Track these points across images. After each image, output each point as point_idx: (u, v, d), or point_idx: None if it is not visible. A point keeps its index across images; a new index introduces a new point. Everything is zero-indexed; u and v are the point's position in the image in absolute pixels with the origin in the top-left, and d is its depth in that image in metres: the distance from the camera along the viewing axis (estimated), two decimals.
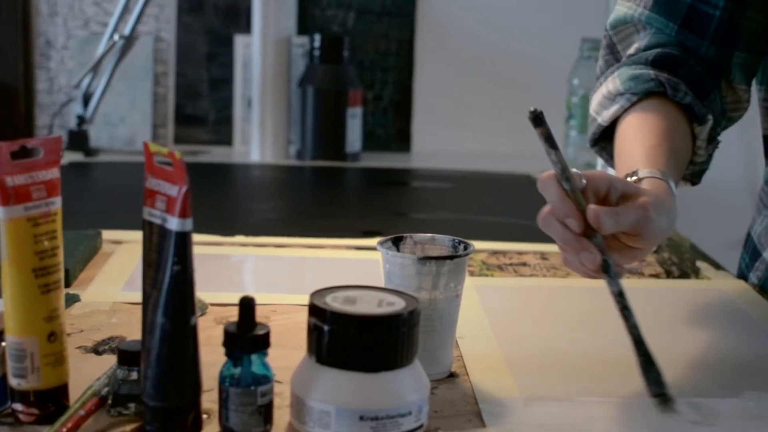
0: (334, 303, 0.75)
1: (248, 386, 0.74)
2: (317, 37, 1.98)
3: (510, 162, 2.01)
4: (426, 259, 0.84)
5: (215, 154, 2.08)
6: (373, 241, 1.18)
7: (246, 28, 2.06)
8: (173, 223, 0.72)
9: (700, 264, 1.30)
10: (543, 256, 1.31)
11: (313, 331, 0.75)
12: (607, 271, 0.83)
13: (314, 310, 0.75)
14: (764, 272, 1.20)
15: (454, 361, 0.91)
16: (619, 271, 0.85)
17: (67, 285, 1.12)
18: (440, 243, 0.90)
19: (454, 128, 2.16)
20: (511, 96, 2.15)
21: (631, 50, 1.13)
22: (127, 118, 2.10)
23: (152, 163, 0.75)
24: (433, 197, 1.77)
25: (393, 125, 2.15)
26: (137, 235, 1.31)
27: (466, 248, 0.88)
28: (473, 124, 2.17)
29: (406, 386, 0.74)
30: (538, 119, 0.82)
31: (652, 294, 1.17)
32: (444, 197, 1.76)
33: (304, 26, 2.11)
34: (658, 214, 0.84)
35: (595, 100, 1.11)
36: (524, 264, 1.27)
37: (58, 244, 0.78)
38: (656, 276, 1.25)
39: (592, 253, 0.82)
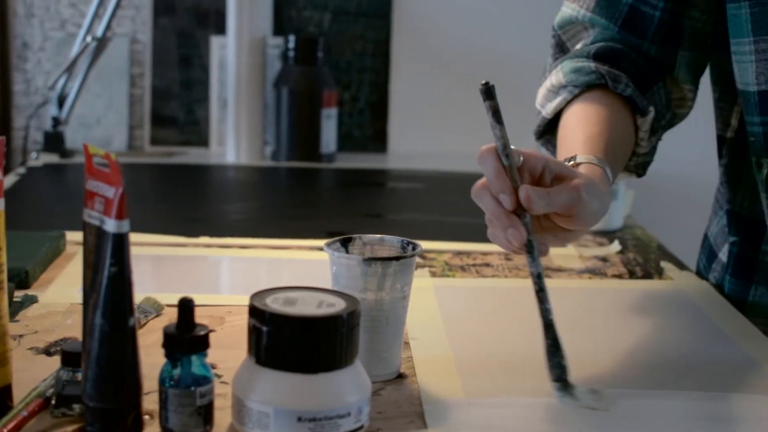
0: (274, 304, 0.75)
1: (187, 387, 0.74)
2: (292, 38, 1.98)
3: None
4: (371, 260, 0.84)
5: (191, 155, 2.08)
6: None
7: (222, 29, 2.06)
8: (110, 225, 0.72)
9: (664, 264, 1.30)
10: (507, 257, 1.31)
11: (253, 333, 0.75)
12: (530, 251, 0.84)
13: (253, 311, 0.75)
14: (721, 273, 1.21)
15: (403, 362, 0.91)
16: (543, 251, 0.86)
17: (27, 286, 1.12)
18: (389, 244, 0.90)
19: (430, 129, 2.16)
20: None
21: (579, 46, 1.13)
22: (103, 119, 2.10)
23: (92, 164, 0.74)
24: (408, 198, 1.77)
25: (369, 126, 2.15)
26: None
27: (414, 249, 0.88)
28: (450, 125, 2.17)
29: (346, 387, 0.74)
30: (489, 92, 0.84)
31: (612, 294, 1.17)
32: (419, 198, 1.76)
33: (280, 27, 2.11)
34: (590, 197, 0.85)
35: (540, 93, 1.12)
36: (487, 265, 1.27)
37: (2, 245, 0.78)
38: (619, 276, 1.25)
39: (519, 231, 0.83)
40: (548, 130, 1.12)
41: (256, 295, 0.76)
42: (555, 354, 0.84)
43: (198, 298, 1.07)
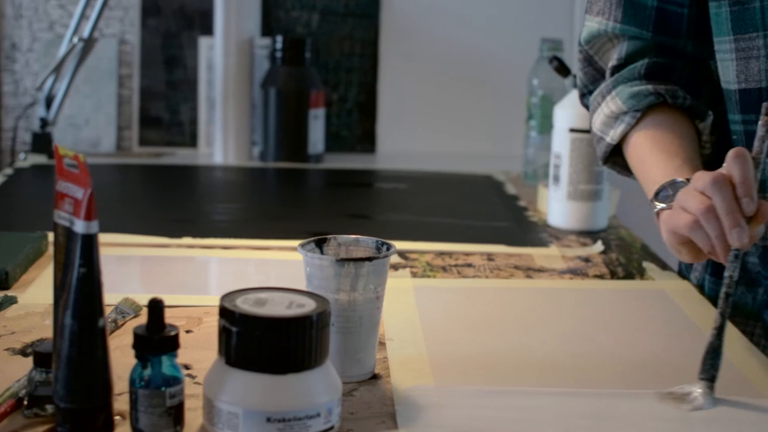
0: (244, 305, 0.75)
1: (158, 388, 0.74)
2: (279, 39, 1.98)
3: (474, 162, 2.01)
4: (344, 260, 0.84)
5: (180, 156, 2.08)
6: None
7: (210, 30, 2.06)
8: (79, 226, 0.72)
9: (646, 264, 1.30)
10: (489, 257, 1.31)
11: (222, 333, 0.75)
12: (737, 255, 0.87)
13: (223, 312, 0.75)
14: (702, 273, 1.21)
15: (378, 363, 0.91)
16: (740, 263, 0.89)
17: (7, 287, 1.12)
18: (364, 244, 0.90)
19: (419, 129, 2.16)
20: (475, 96, 2.15)
21: (613, 61, 1.15)
22: (91, 120, 2.10)
23: (62, 166, 0.75)
24: (395, 198, 1.77)
25: (358, 126, 2.15)
26: None
27: (388, 250, 0.88)
28: (438, 125, 2.17)
29: (316, 388, 0.74)
30: None
31: (592, 294, 1.17)
32: (406, 198, 1.76)
33: (268, 28, 2.11)
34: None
35: (598, 119, 1.15)
36: (469, 265, 1.27)
37: None
38: (600, 276, 1.25)
39: (745, 233, 0.86)
40: (614, 153, 1.15)
41: (226, 296, 0.76)
42: (714, 356, 0.86)
43: (177, 299, 1.09)
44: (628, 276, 1.26)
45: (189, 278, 1.23)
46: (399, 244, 1.33)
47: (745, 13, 1.02)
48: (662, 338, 1.02)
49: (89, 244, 0.72)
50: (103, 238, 1.32)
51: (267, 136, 1.99)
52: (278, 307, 0.75)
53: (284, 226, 1.50)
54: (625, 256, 1.35)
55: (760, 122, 0.91)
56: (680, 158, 1.03)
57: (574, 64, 1.31)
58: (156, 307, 0.75)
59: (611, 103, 1.12)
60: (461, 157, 2.10)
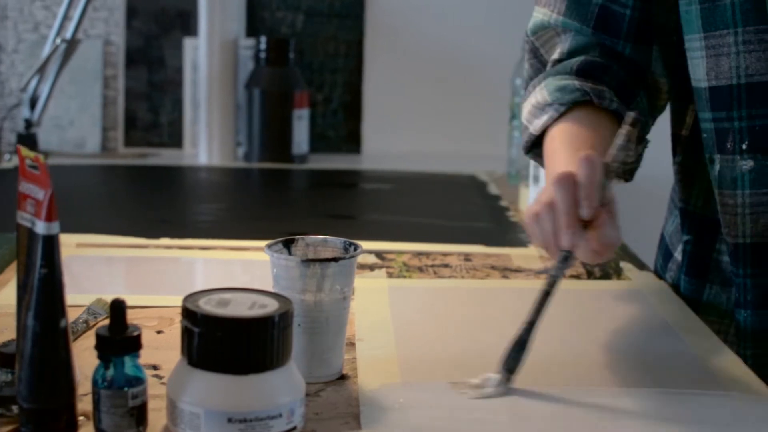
0: (207, 305, 0.75)
1: (120, 388, 0.74)
2: (263, 40, 1.98)
3: (460, 163, 2.02)
4: (309, 261, 0.84)
5: (165, 157, 2.08)
6: None
7: (195, 31, 2.06)
8: (40, 227, 0.72)
9: (623, 264, 1.30)
10: (467, 257, 1.31)
11: (185, 334, 0.75)
12: (566, 258, 0.87)
13: (185, 312, 0.75)
14: (676, 272, 1.21)
15: (347, 363, 0.91)
16: (571, 264, 0.89)
17: None
18: (332, 245, 0.90)
19: (404, 129, 2.16)
20: (461, 97, 2.15)
21: (555, 55, 1.14)
22: (77, 120, 2.10)
23: (24, 167, 0.75)
24: (379, 199, 1.78)
25: (343, 127, 2.16)
26: (65, 238, 1.32)
27: (355, 250, 0.88)
28: (424, 125, 2.17)
29: (277, 388, 0.74)
30: (636, 122, 0.90)
31: (567, 294, 1.16)
32: (390, 199, 1.76)
33: (253, 29, 2.11)
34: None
35: (526, 109, 1.13)
36: (446, 265, 1.27)
37: None
38: (577, 276, 1.25)
39: (575, 237, 0.85)
40: (536, 145, 1.13)
41: (189, 297, 0.77)
42: (519, 350, 0.87)
43: (150, 300, 1.09)
44: (605, 276, 1.26)
45: (165, 279, 1.23)
46: (378, 245, 1.35)
47: (716, 10, 1.02)
48: (634, 337, 1.02)
49: (50, 245, 0.72)
50: (81, 238, 1.33)
51: (251, 137, 1.99)
52: (241, 307, 0.75)
53: (266, 226, 1.50)
54: None
55: (621, 130, 0.90)
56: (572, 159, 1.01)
57: None
58: (118, 307, 0.75)
59: (538, 93, 1.10)
60: (447, 157, 2.10)
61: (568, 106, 1.06)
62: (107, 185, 1.89)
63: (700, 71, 1.05)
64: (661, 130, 1.23)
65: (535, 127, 1.10)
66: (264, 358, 0.74)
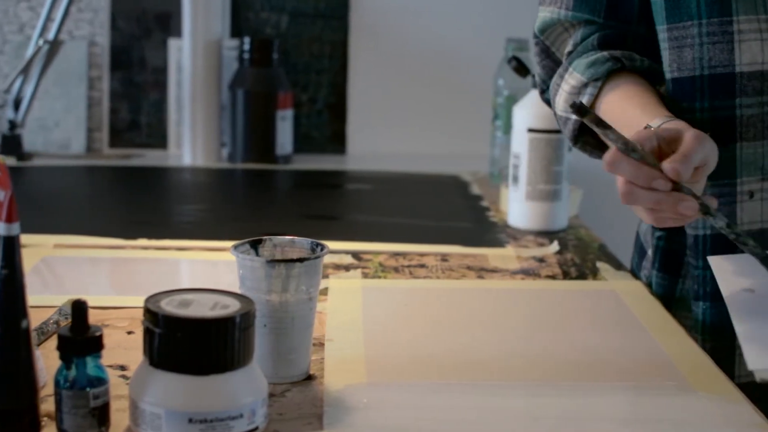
0: (169, 306, 0.75)
1: (82, 389, 0.74)
2: (247, 40, 1.98)
3: (444, 163, 2.01)
4: (274, 262, 0.85)
5: (150, 158, 2.08)
6: None
7: (179, 32, 2.06)
8: (1, 228, 0.72)
9: (600, 264, 1.30)
10: (444, 257, 1.31)
11: (146, 334, 0.75)
12: (707, 211, 0.89)
13: (146, 313, 0.75)
14: (650, 270, 1.21)
15: (315, 364, 0.91)
16: (713, 203, 0.91)
17: None
18: (299, 245, 0.91)
19: (389, 129, 2.16)
20: (446, 97, 2.15)
21: (569, 47, 1.15)
22: (62, 122, 2.10)
23: None
24: (361, 199, 1.78)
25: (328, 127, 2.16)
26: (43, 239, 1.33)
27: (322, 250, 0.89)
28: (409, 126, 2.17)
29: (239, 389, 0.75)
30: (581, 110, 0.88)
31: (541, 294, 1.17)
32: (372, 199, 1.76)
33: (237, 29, 2.11)
34: (706, 139, 0.91)
35: (560, 99, 1.13)
36: (422, 266, 1.27)
37: None
38: (552, 277, 1.25)
39: (690, 200, 0.88)
40: (583, 132, 1.12)
41: (151, 297, 0.77)
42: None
43: (122, 300, 1.09)
44: (581, 276, 1.26)
45: (141, 279, 1.23)
46: (357, 245, 1.35)
47: (680, 1, 1.03)
48: (605, 337, 1.02)
49: (11, 245, 0.72)
50: (58, 239, 1.33)
51: (235, 138, 1.99)
52: (202, 308, 0.75)
53: (247, 227, 1.50)
54: (580, 256, 1.35)
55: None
56: (643, 103, 1.03)
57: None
58: (80, 308, 0.75)
59: (570, 78, 1.10)
60: (431, 157, 2.10)
61: (604, 80, 1.07)
62: (91, 186, 1.89)
63: (665, 63, 1.06)
64: None
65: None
66: (225, 358, 0.74)
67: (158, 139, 2.13)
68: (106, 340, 0.96)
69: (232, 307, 0.76)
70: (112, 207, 1.69)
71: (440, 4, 2.14)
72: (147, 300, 0.76)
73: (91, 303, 1.05)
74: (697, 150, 0.89)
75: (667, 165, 0.87)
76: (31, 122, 2.05)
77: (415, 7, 2.13)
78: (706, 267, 1.06)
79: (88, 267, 1.26)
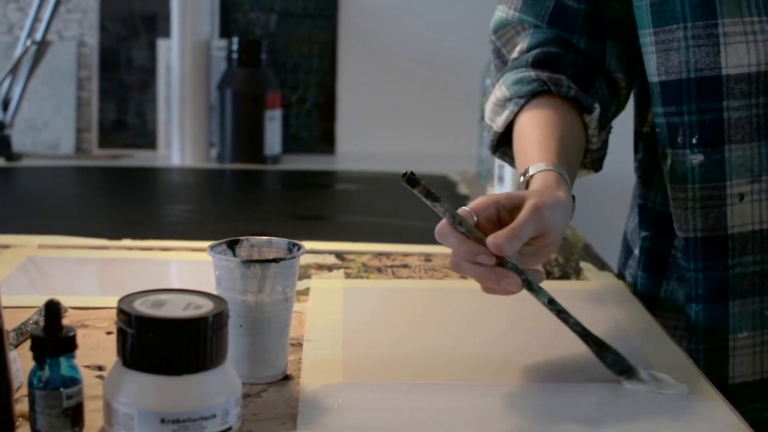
0: (142, 306, 0.75)
1: (55, 389, 0.75)
2: (235, 41, 1.99)
3: (433, 162, 2.01)
4: (250, 262, 0.85)
5: (138, 158, 2.08)
6: None
7: (168, 32, 2.06)
8: None
9: (584, 264, 1.31)
10: (427, 257, 1.31)
11: (119, 335, 0.75)
12: (530, 287, 0.88)
13: (120, 313, 0.75)
14: (636, 269, 1.22)
15: (293, 364, 0.91)
16: (539, 278, 0.89)
17: None
18: (276, 246, 0.91)
19: (378, 129, 2.17)
20: (435, 97, 2.16)
21: (515, 53, 1.15)
22: (51, 122, 2.10)
23: None
24: (349, 200, 1.78)
25: (317, 127, 2.16)
26: (27, 239, 1.33)
27: (298, 251, 0.89)
28: (398, 126, 2.17)
29: (211, 389, 0.75)
30: (411, 180, 0.85)
31: (523, 295, 1.17)
32: (359, 199, 1.77)
33: (226, 30, 2.11)
34: (551, 210, 0.88)
35: (488, 108, 1.14)
36: (406, 266, 1.28)
37: None
38: None
39: (512, 278, 0.86)
40: (502, 143, 1.13)
41: (125, 298, 0.77)
42: (604, 355, 0.89)
43: (102, 301, 1.09)
44: (564, 276, 1.26)
45: (124, 280, 1.23)
46: (341, 245, 1.35)
47: (665, 5, 1.03)
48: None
49: None
50: (43, 240, 1.33)
51: (223, 138, 1.99)
52: (175, 308, 0.76)
53: (234, 227, 1.50)
54: (564, 256, 1.35)
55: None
56: (540, 137, 1.02)
57: None
58: (53, 308, 0.75)
59: (497, 90, 1.11)
60: (420, 157, 2.10)
61: (528, 98, 1.07)
62: (80, 187, 1.89)
63: (651, 66, 1.07)
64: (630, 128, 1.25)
65: (498, 124, 1.10)
66: (197, 358, 0.74)
67: (147, 139, 2.13)
68: (85, 341, 0.97)
69: (206, 307, 0.76)
70: (101, 207, 1.69)
71: (429, 5, 2.14)
72: (120, 300, 0.76)
73: (71, 303, 1.07)
74: (528, 224, 0.86)
75: (491, 240, 0.85)
76: (21, 123, 2.05)
77: (404, 7, 2.14)
78: (699, 269, 1.06)
79: (72, 267, 1.27)
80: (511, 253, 0.86)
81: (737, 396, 1.06)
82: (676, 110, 1.05)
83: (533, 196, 0.89)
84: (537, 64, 1.09)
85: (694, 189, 1.05)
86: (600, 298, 1.16)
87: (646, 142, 1.20)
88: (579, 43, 1.12)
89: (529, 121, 1.06)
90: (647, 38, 1.06)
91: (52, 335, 0.75)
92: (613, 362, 0.89)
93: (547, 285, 1.20)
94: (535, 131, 1.03)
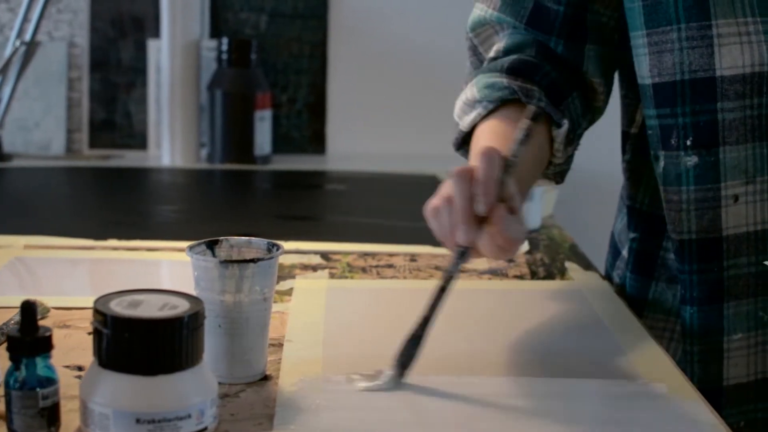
0: (118, 307, 0.75)
1: (31, 389, 0.75)
2: (225, 41, 1.99)
3: (424, 163, 2.02)
4: (228, 262, 0.85)
5: (129, 158, 2.08)
6: None
7: (159, 33, 2.06)
8: None
9: (569, 264, 1.31)
10: (412, 258, 1.31)
11: (95, 335, 0.75)
12: (462, 255, 0.87)
13: (95, 313, 0.75)
14: (624, 271, 1.22)
15: (272, 364, 0.91)
16: (469, 259, 0.88)
17: None
18: (256, 246, 0.91)
19: (369, 130, 2.17)
20: (425, 97, 2.16)
21: (492, 53, 1.14)
22: (41, 123, 2.10)
23: None
24: (338, 200, 1.78)
25: (307, 127, 2.16)
26: (13, 240, 1.33)
27: (277, 251, 0.89)
28: (389, 126, 2.18)
29: (187, 389, 0.75)
30: (537, 117, 0.93)
31: (505, 295, 1.17)
32: (349, 200, 1.77)
33: (216, 30, 2.11)
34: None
35: (457, 105, 1.14)
36: (391, 266, 1.28)
37: None
38: (520, 277, 1.25)
39: (470, 234, 0.85)
40: (466, 142, 1.13)
41: (102, 298, 0.77)
42: (413, 345, 0.87)
43: (86, 301, 1.09)
44: (549, 276, 1.26)
45: (110, 280, 1.23)
46: (327, 245, 1.35)
47: (658, 6, 1.03)
48: (566, 337, 1.03)
49: None
50: (29, 240, 1.33)
51: (213, 138, 2.00)
52: (151, 308, 0.76)
53: (222, 228, 1.50)
54: (550, 256, 1.35)
55: (520, 124, 0.90)
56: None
57: None
58: (28, 309, 0.75)
59: (468, 90, 1.10)
60: (411, 157, 2.10)
61: (496, 104, 1.07)
62: (70, 187, 1.90)
63: (644, 68, 1.06)
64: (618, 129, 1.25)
65: (464, 123, 1.10)
66: (172, 358, 0.74)
67: (138, 139, 2.13)
68: (66, 341, 0.97)
69: (181, 307, 0.76)
70: (91, 208, 1.69)
71: (419, 5, 2.14)
72: (97, 301, 0.76)
73: (54, 304, 1.07)
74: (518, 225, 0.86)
75: (502, 207, 0.85)
76: (11, 123, 2.06)
77: (394, 7, 2.14)
78: (693, 271, 1.06)
79: (60, 267, 1.27)
80: (498, 231, 0.84)
81: (732, 397, 1.06)
82: (670, 112, 1.04)
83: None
84: (511, 71, 1.08)
85: (688, 191, 1.04)
86: (583, 298, 1.16)
87: (633, 143, 1.20)
88: (557, 46, 1.11)
89: (490, 128, 1.05)
90: (640, 40, 1.06)
91: (28, 335, 0.75)
92: (408, 356, 0.87)
93: (531, 285, 1.21)
94: (493, 140, 1.03)
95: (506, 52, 1.12)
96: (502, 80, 1.07)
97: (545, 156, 1.08)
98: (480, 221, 0.85)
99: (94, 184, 1.91)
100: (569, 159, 1.14)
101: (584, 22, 1.11)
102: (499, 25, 1.14)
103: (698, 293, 1.06)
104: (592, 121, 1.17)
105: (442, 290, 0.88)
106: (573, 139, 1.11)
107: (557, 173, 1.14)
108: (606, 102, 1.17)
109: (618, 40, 1.14)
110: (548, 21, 1.11)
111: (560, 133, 1.07)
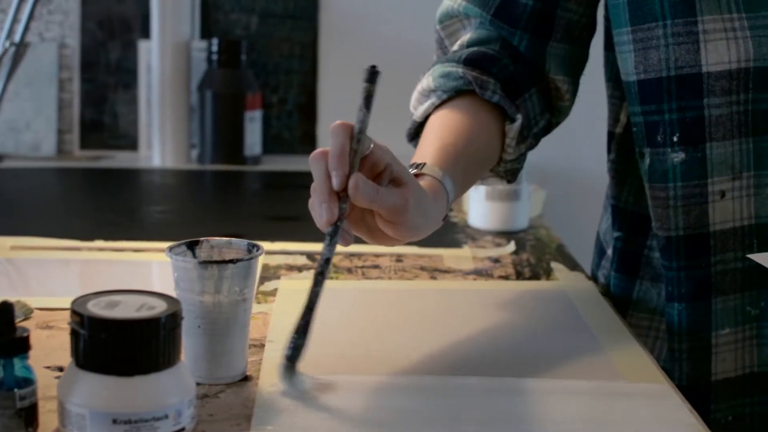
0: (95, 308, 0.75)
1: (9, 389, 0.75)
2: (215, 41, 1.99)
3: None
4: (207, 263, 0.85)
5: (119, 159, 2.08)
6: None
7: (149, 33, 2.06)
8: None
9: (554, 265, 1.31)
10: (398, 258, 1.32)
11: (72, 336, 0.76)
12: (332, 235, 0.85)
13: (73, 314, 0.75)
14: (609, 270, 1.22)
15: (253, 365, 0.91)
16: (346, 241, 0.87)
17: None
18: (236, 247, 0.91)
19: None
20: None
21: (455, 46, 1.14)
22: (32, 123, 2.10)
23: None
24: None
25: (298, 128, 2.16)
26: (1, 241, 1.33)
27: (257, 251, 0.89)
28: (378, 126, 2.17)
29: (164, 389, 0.75)
30: (372, 77, 0.87)
31: (489, 295, 1.17)
32: None
33: (207, 31, 2.11)
34: (414, 211, 0.87)
35: (414, 96, 1.14)
36: (376, 266, 1.28)
37: None
38: (505, 277, 1.25)
39: (332, 211, 0.84)
40: (419, 133, 1.13)
41: (79, 299, 0.77)
42: (300, 336, 0.84)
43: (69, 302, 1.09)
44: (534, 277, 1.26)
45: (97, 280, 1.23)
46: (313, 246, 1.35)
47: (643, 3, 1.03)
48: (548, 337, 1.03)
49: None
50: (15, 241, 1.33)
51: (204, 139, 2.00)
52: (129, 309, 0.76)
53: (210, 228, 1.50)
54: (536, 257, 1.35)
55: (360, 89, 0.88)
56: (443, 142, 1.01)
57: None
58: (5, 309, 0.75)
59: (425, 80, 1.10)
60: (400, 158, 2.09)
61: (450, 94, 1.07)
62: (61, 188, 1.90)
63: (629, 65, 1.06)
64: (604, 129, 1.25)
65: (418, 113, 1.11)
66: (149, 359, 0.74)
67: (129, 140, 2.14)
68: (48, 342, 0.97)
69: (159, 308, 0.76)
70: (81, 209, 1.69)
71: (409, 5, 2.14)
72: (74, 301, 0.76)
73: (38, 304, 1.07)
74: (392, 201, 0.86)
75: (356, 175, 0.84)
76: (2, 124, 2.06)
77: (385, 7, 2.14)
78: (681, 268, 1.06)
79: (48, 268, 1.27)
80: (357, 199, 0.84)
81: (720, 392, 1.07)
82: (656, 108, 1.04)
83: (415, 188, 0.89)
84: (469, 62, 1.08)
85: (675, 187, 1.05)
86: (567, 298, 1.16)
87: (618, 142, 1.20)
88: (521, 42, 1.11)
89: (440, 120, 1.05)
90: (624, 37, 1.06)
91: (5, 336, 0.75)
92: (296, 347, 0.84)
93: (516, 285, 1.21)
94: (442, 133, 1.03)
95: (470, 45, 1.13)
96: (458, 70, 1.07)
97: (495, 151, 1.08)
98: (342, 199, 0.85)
99: (84, 185, 1.91)
100: (521, 157, 1.13)
101: (552, 19, 1.11)
102: (467, 18, 1.14)
103: (686, 290, 1.07)
104: (553, 122, 1.17)
105: (319, 275, 0.86)
106: (527, 136, 1.10)
107: (508, 171, 1.13)
108: (572, 102, 1.16)
109: (586, 39, 1.14)
110: (515, 14, 1.11)
111: (513, 128, 1.07)
